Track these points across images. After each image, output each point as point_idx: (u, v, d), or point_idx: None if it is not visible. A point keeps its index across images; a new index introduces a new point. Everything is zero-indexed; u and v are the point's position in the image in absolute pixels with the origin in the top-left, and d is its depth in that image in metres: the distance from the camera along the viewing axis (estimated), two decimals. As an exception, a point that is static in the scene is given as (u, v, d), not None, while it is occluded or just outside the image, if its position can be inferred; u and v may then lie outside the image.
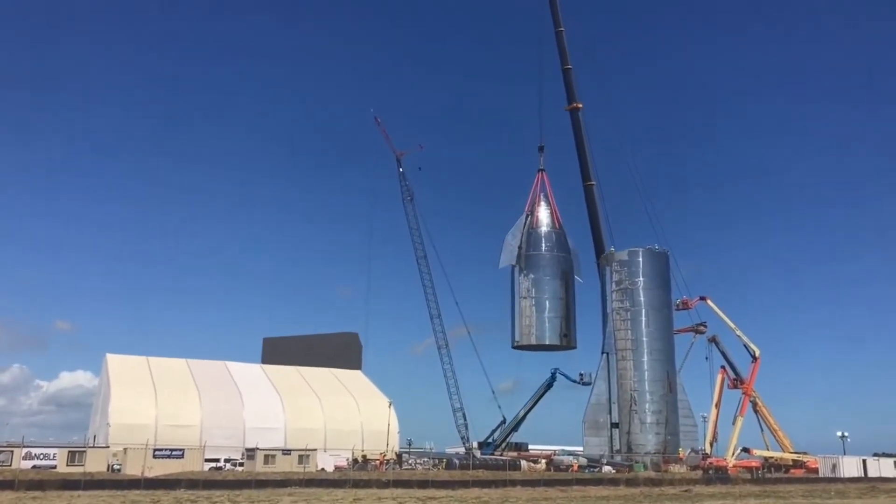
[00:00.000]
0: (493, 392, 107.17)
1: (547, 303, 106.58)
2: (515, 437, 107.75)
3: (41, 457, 62.61)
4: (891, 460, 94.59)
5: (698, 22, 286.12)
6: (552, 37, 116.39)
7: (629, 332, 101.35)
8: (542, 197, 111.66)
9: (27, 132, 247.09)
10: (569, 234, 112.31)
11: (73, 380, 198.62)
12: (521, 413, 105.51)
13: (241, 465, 73.08)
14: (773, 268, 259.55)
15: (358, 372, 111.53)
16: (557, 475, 74.37)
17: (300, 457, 70.77)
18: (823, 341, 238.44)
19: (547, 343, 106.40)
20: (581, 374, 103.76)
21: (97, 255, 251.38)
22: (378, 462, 77.88)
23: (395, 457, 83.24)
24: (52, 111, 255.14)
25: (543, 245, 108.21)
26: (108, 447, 70.77)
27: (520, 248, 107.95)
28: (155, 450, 65.66)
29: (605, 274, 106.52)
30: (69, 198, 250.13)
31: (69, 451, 64.30)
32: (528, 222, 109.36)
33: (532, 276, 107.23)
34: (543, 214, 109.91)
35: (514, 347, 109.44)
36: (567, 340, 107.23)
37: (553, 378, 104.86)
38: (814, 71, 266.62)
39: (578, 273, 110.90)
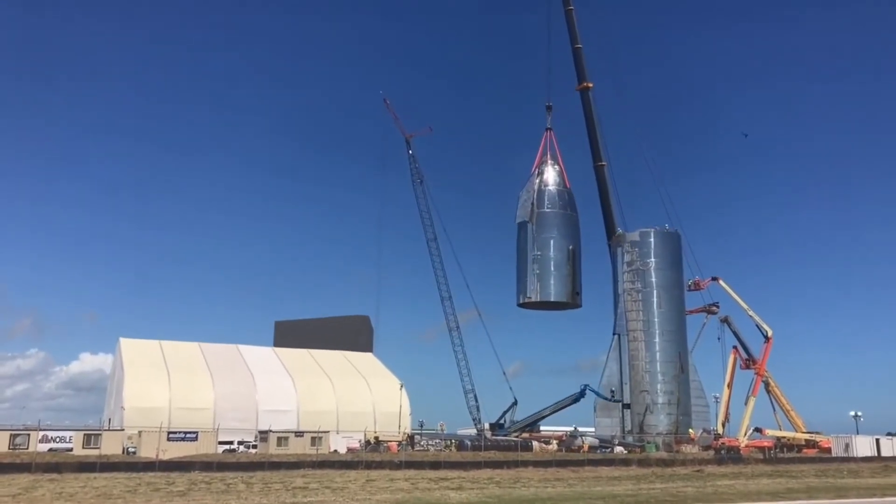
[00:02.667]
0: (505, 373, 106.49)
1: (556, 260, 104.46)
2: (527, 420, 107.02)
3: (58, 440, 63.31)
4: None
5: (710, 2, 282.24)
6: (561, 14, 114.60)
7: (640, 312, 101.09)
8: (550, 156, 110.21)
9: (39, 125, 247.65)
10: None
11: (91, 363, 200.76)
12: (542, 415, 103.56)
13: (255, 447, 73.68)
14: (786, 247, 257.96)
15: (369, 354, 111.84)
16: (569, 456, 74.52)
17: (313, 439, 71.36)
18: (836, 321, 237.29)
19: (553, 300, 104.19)
20: (612, 392, 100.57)
21: (113, 245, 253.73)
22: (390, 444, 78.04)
23: (406, 438, 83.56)
24: (68, 102, 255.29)
25: (556, 203, 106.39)
26: (122, 430, 71.46)
27: (532, 204, 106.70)
28: (169, 432, 66.09)
29: (617, 255, 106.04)
30: (83, 188, 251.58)
31: (85, 434, 65.01)
32: (539, 181, 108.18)
33: (542, 233, 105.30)
34: (552, 173, 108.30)
35: (519, 305, 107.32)
36: (576, 299, 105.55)
37: (582, 394, 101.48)
38: (829, 51, 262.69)
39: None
